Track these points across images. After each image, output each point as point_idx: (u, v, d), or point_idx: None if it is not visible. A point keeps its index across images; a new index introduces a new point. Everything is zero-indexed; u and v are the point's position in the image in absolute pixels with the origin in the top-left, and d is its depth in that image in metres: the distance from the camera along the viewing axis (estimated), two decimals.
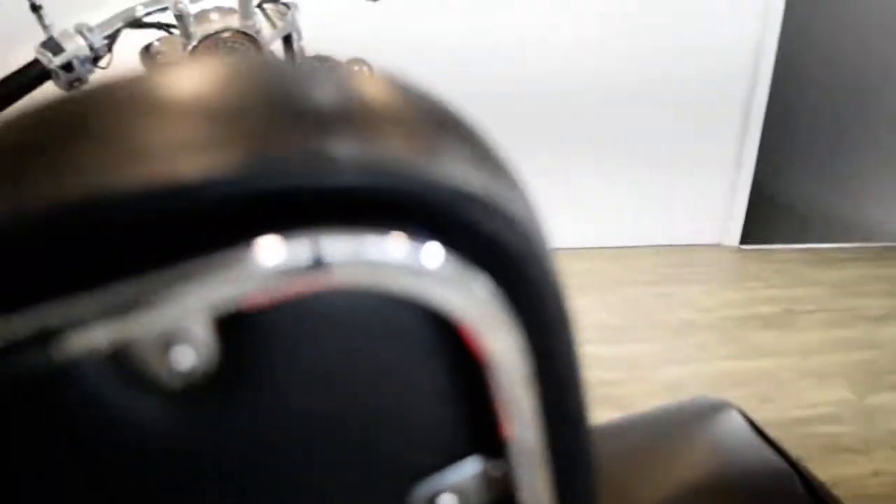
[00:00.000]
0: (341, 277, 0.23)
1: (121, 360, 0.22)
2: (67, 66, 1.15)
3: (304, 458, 0.26)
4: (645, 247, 2.95)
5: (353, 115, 0.25)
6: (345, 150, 0.23)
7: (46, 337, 0.20)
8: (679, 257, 2.93)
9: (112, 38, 1.22)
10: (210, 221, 0.21)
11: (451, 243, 0.25)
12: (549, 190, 2.81)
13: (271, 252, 0.22)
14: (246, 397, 0.24)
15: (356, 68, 1.47)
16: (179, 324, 0.22)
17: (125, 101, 0.24)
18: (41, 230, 0.20)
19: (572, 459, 0.32)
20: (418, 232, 0.24)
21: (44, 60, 1.13)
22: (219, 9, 1.29)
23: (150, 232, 0.21)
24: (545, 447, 0.30)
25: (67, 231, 0.20)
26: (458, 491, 0.29)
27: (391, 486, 0.28)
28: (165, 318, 0.21)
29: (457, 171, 0.25)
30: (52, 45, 1.14)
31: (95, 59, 1.19)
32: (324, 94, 0.26)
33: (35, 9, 1.16)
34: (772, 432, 1.66)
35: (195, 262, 0.21)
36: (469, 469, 0.30)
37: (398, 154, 0.24)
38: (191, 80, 0.26)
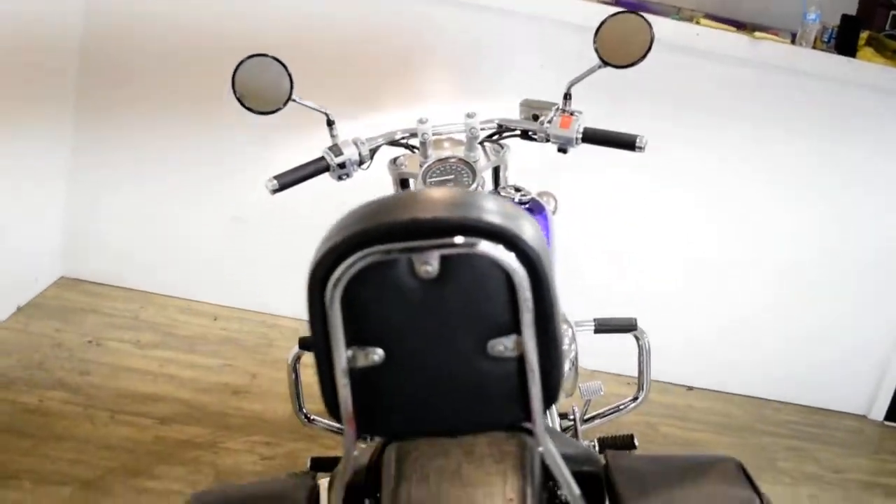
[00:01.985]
0: (484, 250, 0.72)
1: (412, 267, 0.71)
2: (342, 165, 1.69)
3: (456, 312, 0.73)
4: (789, 404, 3.16)
5: (499, 207, 0.75)
6: (496, 218, 0.72)
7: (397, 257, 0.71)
8: (822, 420, 3.12)
9: (374, 150, 1.76)
10: (439, 231, 0.72)
11: (511, 248, 0.72)
12: (704, 326, 3.13)
13: (460, 240, 0.71)
14: (445, 285, 0.73)
15: (543, 198, 1.94)
16: (431, 261, 0.71)
17: (409, 196, 0.77)
18: (401, 229, 0.72)
19: (547, 350, 0.76)
20: (503, 243, 0.72)
21: (328, 158, 1.67)
22: (451, 139, 1.81)
23: (422, 231, 0.72)
24: (536, 340, 0.75)
25: (405, 227, 0.71)
26: (505, 345, 0.75)
27: (480, 337, 0.74)
28: (427, 256, 0.72)
29: (514, 225, 0.73)
30: (335, 150, 1.68)
31: (361, 163, 1.74)
32: (487, 202, 0.75)
33: (329, 124, 1.71)
34: None
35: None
36: (510, 340, 0.75)
37: (507, 221, 0.73)
38: (433, 192, 0.80)
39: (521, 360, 0.76)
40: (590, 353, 1.99)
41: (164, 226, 3.24)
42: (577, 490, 0.84)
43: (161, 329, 3.07)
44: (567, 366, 1.71)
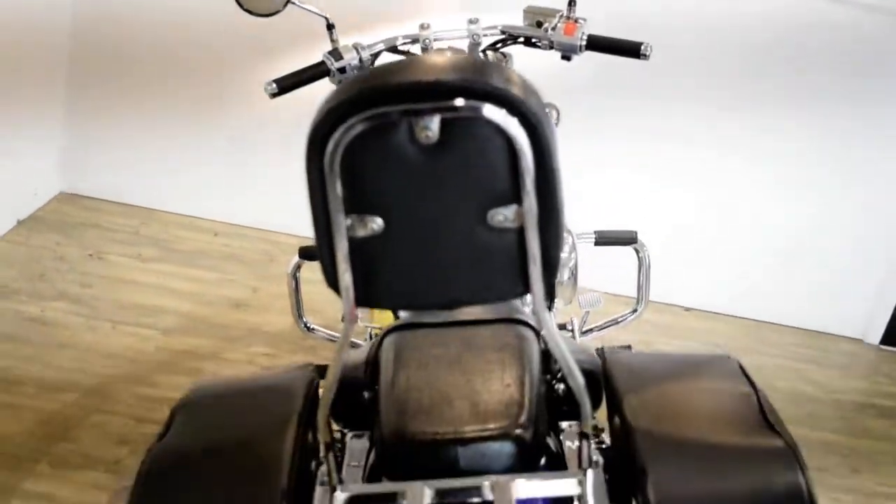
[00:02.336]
0: (485, 114, 0.70)
1: (412, 132, 0.70)
2: (342, 70, 1.66)
3: (457, 179, 0.72)
4: (784, 326, 3.18)
5: (501, 72, 0.73)
6: (498, 81, 0.70)
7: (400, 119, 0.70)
8: (819, 342, 3.14)
9: (375, 55, 1.73)
10: (440, 94, 0.71)
11: (514, 113, 0.71)
12: (702, 252, 3.12)
13: (461, 102, 0.69)
14: (445, 151, 0.72)
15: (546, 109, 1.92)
16: (431, 125, 0.70)
17: (411, 59, 0.74)
18: (402, 91, 0.73)
19: (548, 220, 0.75)
20: (505, 107, 0.70)
21: (328, 63, 1.64)
22: (452, 47, 1.78)
23: (423, 93, 0.70)
24: (537, 209, 0.74)
25: (406, 89, 0.72)
26: (505, 215, 0.74)
27: (481, 206, 0.73)
28: (427, 120, 0.70)
29: (517, 90, 0.71)
30: (335, 54, 1.65)
31: (361, 68, 1.71)
32: (490, 67, 0.74)
33: (329, 28, 1.68)
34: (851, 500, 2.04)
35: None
36: (510, 210, 0.74)
37: (509, 85, 0.71)
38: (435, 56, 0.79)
39: (521, 231, 0.75)
40: (588, 269, 1.99)
41: (163, 143, 3.21)
42: (579, 376, 0.84)
43: (162, 244, 3.07)
44: (566, 274, 1.71)
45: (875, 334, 3.21)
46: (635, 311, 1.93)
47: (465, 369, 1.02)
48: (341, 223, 0.74)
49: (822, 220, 3.07)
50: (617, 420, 1.06)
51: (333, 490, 0.86)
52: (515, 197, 0.74)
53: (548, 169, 0.73)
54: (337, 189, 0.73)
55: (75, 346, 2.46)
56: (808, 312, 3.21)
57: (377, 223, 0.75)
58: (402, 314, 1.53)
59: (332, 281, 0.78)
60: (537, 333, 1.14)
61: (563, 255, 1.85)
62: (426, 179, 0.73)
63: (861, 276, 3.15)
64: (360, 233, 0.75)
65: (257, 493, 0.91)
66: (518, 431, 0.92)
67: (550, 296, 1.68)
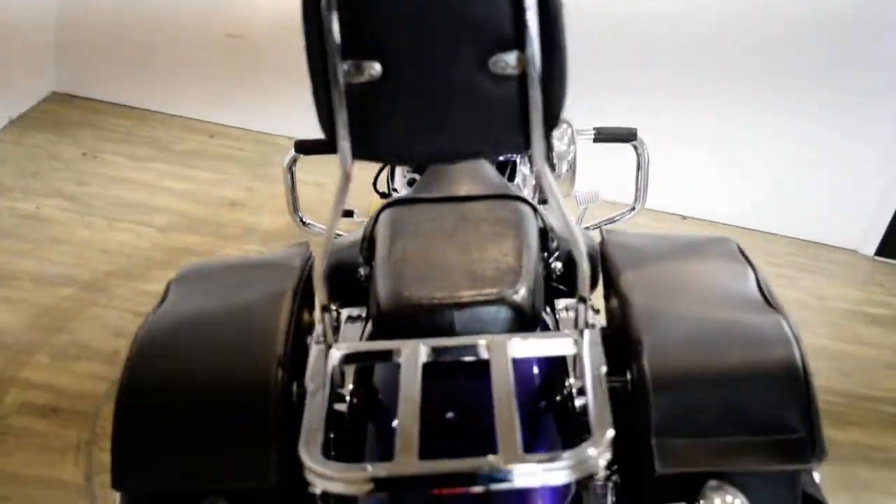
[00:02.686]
0: None
1: None
2: None
3: (458, 21, 0.71)
4: (779, 235, 3.18)
5: None
6: None
7: None
8: (813, 252, 3.15)
9: None
10: None
11: None
12: (700, 158, 3.10)
13: None
14: None
15: None
16: None
17: None
18: None
19: (550, 67, 0.73)
20: None
21: None
22: None
23: None
24: (540, 56, 0.71)
25: None
26: (506, 62, 0.72)
27: (482, 51, 0.71)
28: None
29: None
30: None
31: None
32: None
33: None
34: (836, 398, 2.05)
35: None
36: (512, 56, 0.72)
37: None
38: None
39: (522, 80, 0.73)
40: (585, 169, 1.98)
41: (157, 43, 3.15)
42: (577, 233, 0.82)
43: (157, 144, 3.04)
44: (565, 167, 1.69)
45: (870, 245, 3.21)
46: (633, 209, 1.91)
47: (462, 240, 1.01)
48: (338, 68, 0.72)
49: (821, 132, 3.04)
50: (613, 298, 1.05)
51: (329, 348, 0.85)
52: (518, 43, 0.71)
53: (551, 13, 0.71)
54: (334, 30, 0.70)
55: (71, 242, 2.45)
56: (803, 223, 3.21)
57: (375, 69, 0.72)
58: (398, 192, 1.52)
59: (328, 129, 0.76)
60: (535, 210, 1.13)
61: (562, 147, 1.84)
62: (426, 20, 0.71)
63: (858, 188, 3.14)
64: (358, 79, 0.73)
65: (252, 359, 0.91)
66: (515, 297, 0.92)
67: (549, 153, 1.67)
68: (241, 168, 2.96)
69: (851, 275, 3.05)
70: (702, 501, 0.81)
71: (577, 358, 0.85)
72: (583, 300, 0.83)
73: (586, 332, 0.83)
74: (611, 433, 0.70)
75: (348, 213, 1.70)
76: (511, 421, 0.71)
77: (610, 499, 1.02)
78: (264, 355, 0.91)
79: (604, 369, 0.85)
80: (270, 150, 3.07)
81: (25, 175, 2.74)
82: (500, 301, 0.92)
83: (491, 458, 0.67)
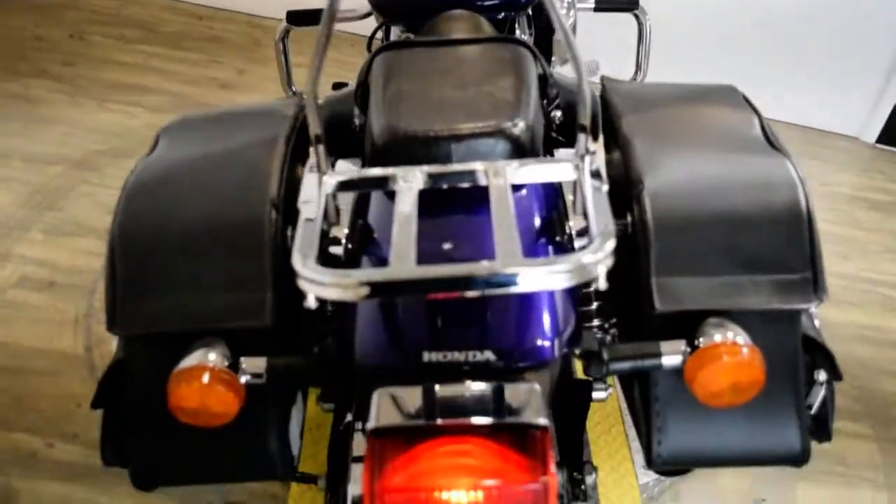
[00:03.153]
0: None
1: None
2: None
3: None
4: (783, 122, 3.14)
5: None
6: None
7: None
8: (814, 138, 3.11)
9: None
10: None
11: None
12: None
13: None
14: None
15: None
16: None
17: None
18: None
19: None
20: None
21: None
22: None
23: None
24: None
25: None
26: None
27: None
28: None
29: None
30: None
31: None
32: None
33: None
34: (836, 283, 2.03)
35: None
36: None
37: None
38: None
39: None
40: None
41: None
42: (581, 63, 0.79)
43: (145, 25, 2.95)
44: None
45: (871, 133, 3.18)
46: (634, 79, 1.87)
47: (460, 78, 0.97)
48: None
49: (825, 16, 2.97)
50: (614, 144, 1.03)
51: (323, 175, 0.83)
52: None
53: None
54: None
55: (61, 121, 2.41)
56: (805, 109, 3.16)
57: None
58: (393, 34, 1.48)
59: None
60: (535, 56, 1.09)
61: (561, 12, 1.78)
62: None
63: (861, 75, 3.08)
64: None
65: (246, 200, 0.89)
66: (513, 129, 0.88)
67: None
68: (231, 50, 2.88)
69: (852, 161, 3.02)
70: (701, 338, 0.80)
71: (576, 185, 0.83)
72: (583, 129, 0.80)
73: (587, 158, 0.80)
74: (612, 242, 0.67)
75: (342, 85, 1.65)
76: (510, 231, 0.69)
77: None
78: (258, 197, 0.89)
79: (605, 187, 0.82)
80: (261, 34, 2.98)
81: (10, 56, 2.67)
82: (498, 133, 0.88)
83: (489, 262, 0.65)
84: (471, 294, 0.65)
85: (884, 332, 2.18)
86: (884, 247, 2.52)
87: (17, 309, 1.85)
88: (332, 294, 0.66)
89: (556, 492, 0.69)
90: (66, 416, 1.64)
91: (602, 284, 0.67)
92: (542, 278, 0.64)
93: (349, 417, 1.08)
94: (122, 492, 1.51)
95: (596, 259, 0.66)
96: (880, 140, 3.16)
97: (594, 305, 1.00)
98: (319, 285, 0.66)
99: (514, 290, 0.64)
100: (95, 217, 2.09)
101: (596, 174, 0.81)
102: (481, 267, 0.64)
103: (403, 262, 0.66)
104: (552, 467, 0.69)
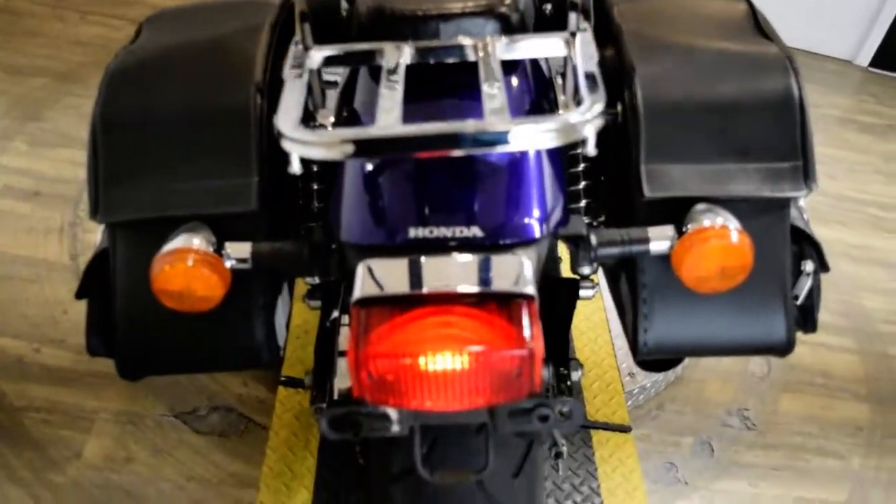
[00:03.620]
0: None
1: None
2: None
3: None
4: None
5: None
6: None
7: None
8: (806, 61, 3.08)
9: None
10: None
11: None
12: None
13: None
14: None
15: None
16: None
17: None
18: None
19: None
20: None
21: None
22: None
23: None
24: None
25: None
26: None
27: None
28: None
29: None
30: None
31: None
32: None
33: None
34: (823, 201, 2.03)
35: None
36: None
37: None
38: None
39: None
40: None
41: None
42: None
43: None
44: None
45: (864, 56, 3.15)
46: None
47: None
48: None
49: None
50: (605, 32, 1.01)
51: (307, 49, 0.81)
52: None
53: None
54: None
55: (44, 34, 2.36)
56: (797, 31, 3.13)
57: None
58: None
59: None
60: None
61: None
62: None
63: None
64: None
65: (231, 85, 0.88)
66: (503, 8, 0.87)
67: None
68: None
69: (844, 84, 3.01)
70: (689, 224, 0.80)
71: (567, 61, 0.81)
72: (574, 6, 0.79)
73: (578, 34, 0.79)
74: (601, 104, 0.66)
75: None
76: (499, 94, 0.68)
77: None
78: (243, 81, 0.87)
79: (596, 57, 0.81)
80: None
81: None
82: (488, 12, 0.86)
83: (476, 120, 0.64)
84: (457, 153, 0.64)
85: (870, 251, 2.19)
86: (873, 168, 2.53)
87: (1, 217, 1.84)
88: (317, 153, 0.65)
89: (542, 358, 0.69)
90: (52, 322, 1.64)
91: (591, 150, 0.66)
92: (530, 136, 0.63)
93: (335, 314, 1.08)
94: (110, 395, 1.53)
95: (584, 118, 0.65)
96: (874, 63, 3.14)
97: (582, 185, 0.99)
98: (303, 144, 0.65)
99: (501, 148, 0.64)
100: (80, 128, 2.06)
101: (587, 50, 0.80)
102: (469, 125, 0.63)
103: (390, 120, 0.65)
104: (539, 335, 0.69)
